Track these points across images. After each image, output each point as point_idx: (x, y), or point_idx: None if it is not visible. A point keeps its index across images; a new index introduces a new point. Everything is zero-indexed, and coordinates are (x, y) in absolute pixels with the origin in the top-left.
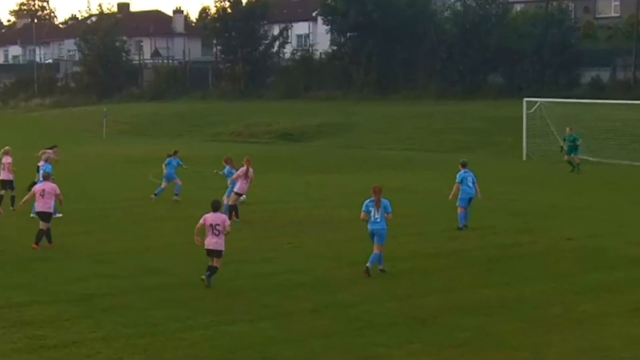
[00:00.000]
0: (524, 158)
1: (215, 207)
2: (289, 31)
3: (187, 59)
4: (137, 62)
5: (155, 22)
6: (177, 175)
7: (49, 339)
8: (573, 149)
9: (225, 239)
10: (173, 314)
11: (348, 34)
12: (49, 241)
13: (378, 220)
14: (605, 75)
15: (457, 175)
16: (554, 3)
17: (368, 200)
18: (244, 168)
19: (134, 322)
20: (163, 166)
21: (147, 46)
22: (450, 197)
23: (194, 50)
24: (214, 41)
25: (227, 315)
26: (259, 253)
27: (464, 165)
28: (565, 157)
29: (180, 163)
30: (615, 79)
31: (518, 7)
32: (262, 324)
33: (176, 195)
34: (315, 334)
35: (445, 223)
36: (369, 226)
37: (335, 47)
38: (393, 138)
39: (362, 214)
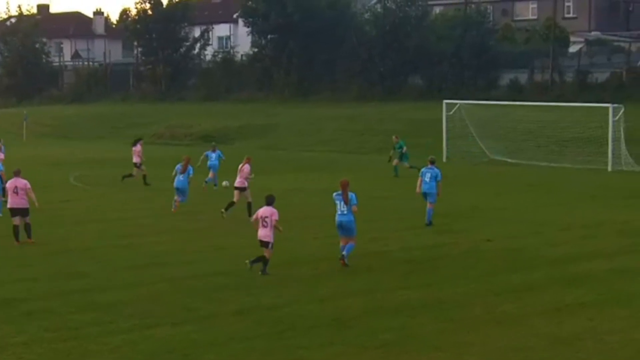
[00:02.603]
0: (444, 160)
1: (268, 201)
2: (210, 33)
3: (107, 60)
4: (58, 64)
5: (76, 23)
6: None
7: None
8: (403, 155)
9: (275, 231)
10: (95, 317)
11: (269, 36)
12: (28, 236)
13: (345, 212)
14: (523, 77)
15: (420, 171)
16: (473, 5)
17: (335, 194)
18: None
19: (56, 326)
20: (201, 158)
21: (68, 48)
22: (416, 190)
23: (115, 52)
24: (135, 43)
25: (149, 319)
26: (182, 255)
27: (431, 162)
28: (406, 165)
29: (222, 155)
30: (533, 81)
31: (437, 10)
32: (184, 327)
33: (206, 182)
34: (238, 337)
35: (367, 224)
36: (336, 218)
37: (256, 49)
38: (315, 140)
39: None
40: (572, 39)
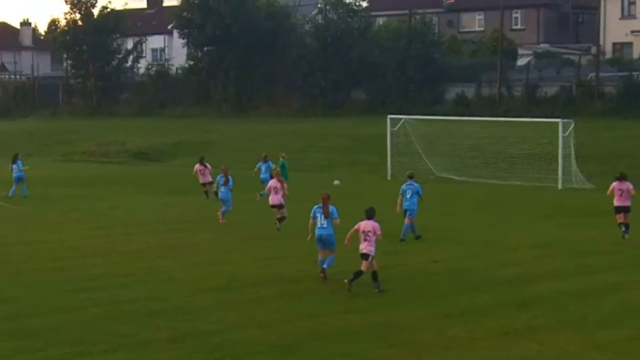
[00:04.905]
0: (389, 177)
1: (369, 214)
2: (143, 45)
3: (35, 74)
4: None
5: (1, 34)
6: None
7: None
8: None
9: (377, 244)
10: (23, 345)
11: (205, 48)
12: None
13: (325, 226)
14: (470, 91)
15: (400, 188)
16: (417, 16)
17: (316, 207)
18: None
19: None
20: (255, 171)
21: None
22: (397, 209)
23: (43, 64)
24: (64, 55)
25: (81, 346)
26: (114, 279)
27: (410, 177)
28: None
29: (272, 166)
30: (480, 95)
31: (380, 21)
32: (118, 355)
33: (261, 195)
34: None
35: (310, 246)
36: (315, 231)
37: (192, 62)
38: (254, 157)
39: (310, 220)
40: (520, 51)
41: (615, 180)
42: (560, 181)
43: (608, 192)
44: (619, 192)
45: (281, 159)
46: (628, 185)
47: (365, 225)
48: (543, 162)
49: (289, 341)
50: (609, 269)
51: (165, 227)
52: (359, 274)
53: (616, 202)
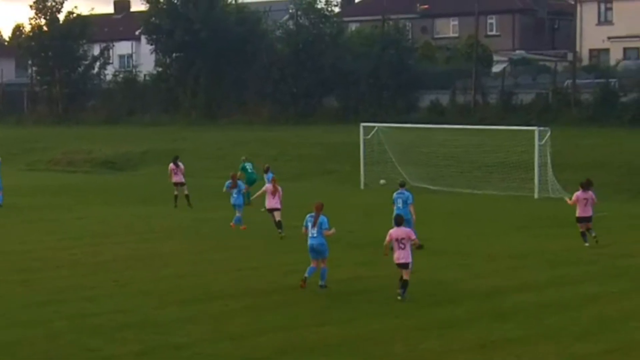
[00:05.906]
0: (362, 187)
1: (398, 221)
2: (110, 51)
3: None
4: None
5: None
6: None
7: None
8: (251, 178)
9: (412, 251)
10: None
11: (174, 54)
12: None
13: (315, 235)
14: (444, 98)
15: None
16: (391, 22)
17: (308, 215)
18: (270, 185)
19: None
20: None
21: None
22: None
23: (7, 71)
24: (29, 61)
25: None
26: (81, 292)
27: (401, 186)
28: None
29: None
30: (455, 103)
31: (353, 27)
32: None
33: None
34: None
35: (281, 257)
36: (308, 241)
37: (160, 68)
38: (224, 165)
39: (303, 229)
40: (495, 58)
41: (579, 189)
42: (536, 190)
43: (571, 201)
44: (583, 201)
45: (242, 162)
46: (592, 195)
47: (398, 233)
48: (519, 171)
49: (260, 354)
50: (585, 279)
51: (133, 238)
52: (405, 284)
53: (579, 213)
